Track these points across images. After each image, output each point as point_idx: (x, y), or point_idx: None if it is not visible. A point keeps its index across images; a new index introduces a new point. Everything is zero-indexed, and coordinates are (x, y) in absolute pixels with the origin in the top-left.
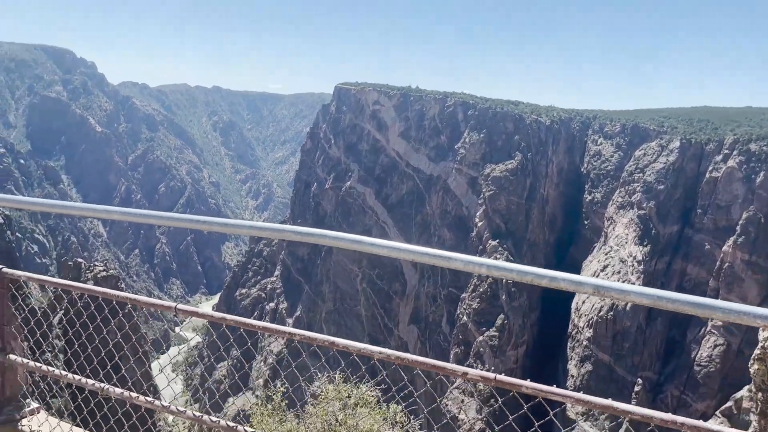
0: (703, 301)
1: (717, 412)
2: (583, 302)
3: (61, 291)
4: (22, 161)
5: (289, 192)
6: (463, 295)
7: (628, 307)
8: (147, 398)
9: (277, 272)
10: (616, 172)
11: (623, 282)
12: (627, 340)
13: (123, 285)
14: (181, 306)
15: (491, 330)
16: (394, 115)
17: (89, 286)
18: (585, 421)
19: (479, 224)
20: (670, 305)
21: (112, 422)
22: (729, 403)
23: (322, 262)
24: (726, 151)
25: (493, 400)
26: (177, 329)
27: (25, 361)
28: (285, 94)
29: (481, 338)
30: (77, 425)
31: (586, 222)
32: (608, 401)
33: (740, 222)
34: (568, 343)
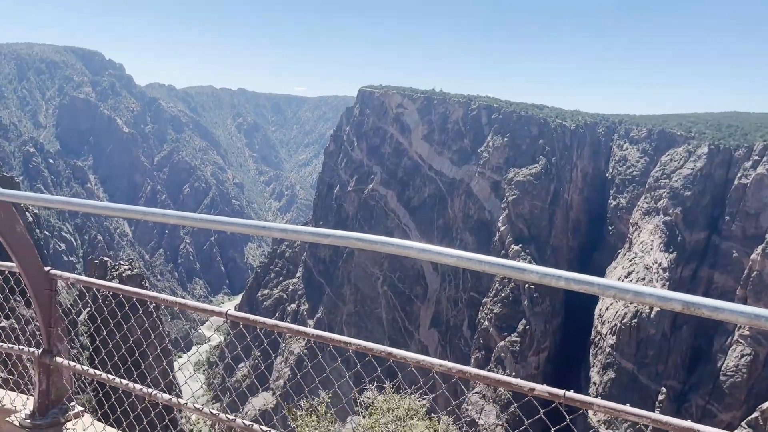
0: None
1: (743, 423)
2: (606, 309)
3: (84, 288)
4: (51, 161)
5: (312, 194)
6: (485, 299)
7: (652, 315)
8: (195, 405)
9: (298, 274)
10: (642, 177)
11: None
12: (651, 347)
13: (147, 284)
14: (231, 312)
15: (513, 335)
16: (418, 118)
17: (139, 290)
18: (607, 429)
19: (502, 228)
20: None
21: (145, 423)
22: (755, 414)
23: (343, 264)
24: (755, 158)
25: (513, 406)
26: (199, 328)
27: (72, 363)
28: (309, 96)
29: (502, 343)
30: (123, 430)
31: (610, 228)
32: (696, 426)
33: None
34: (591, 350)
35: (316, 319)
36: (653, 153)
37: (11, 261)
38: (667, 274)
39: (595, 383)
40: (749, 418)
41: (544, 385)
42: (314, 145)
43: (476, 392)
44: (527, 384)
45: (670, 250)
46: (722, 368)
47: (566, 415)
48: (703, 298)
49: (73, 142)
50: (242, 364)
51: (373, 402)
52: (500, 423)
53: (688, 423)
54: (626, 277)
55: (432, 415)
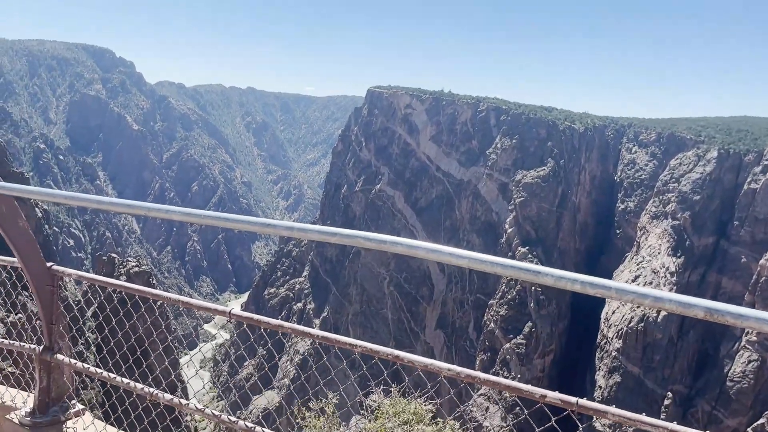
0: None
1: (749, 429)
2: (613, 312)
3: (91, 284)
4: (61, 157)
5: (320, 193)
6: (491, 301)
7: (659, 319)
8: (197, 406)
9: (305, 273)
10: (651, 181)
11: None
12: (657, 352)
13: (154, 281)
14: (235, 311)
15: (518, 337)
16: (426, 118)
17: (144, 287)
18: None
19: (509, 230)
20: None
21: (146, 422)
22: (761, 420)
23: (350, 263)
24: (765, 162)
25: (518, 408)
26: (206, 326)
27: (73, 361)
28: (318, 96)
29: (507, 345)
30: (123, 429)
31: (618, 231)
32: None
33: None
34: (597, 354)
35: (321, 318)
36: (662, 157)
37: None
38: (674, 278)
39: (600, 387)
40: (756, 424)
41: (557, 392)
42: (322, 144)
43: (481, 394)
44: (539, 391)
45: (678, 254)
46: (729, 374)
47: (578, 423)
48: (727, 304)
49: (83, 138)
50: (247, 363)
51: (379, 405)
52: (506, 425)
53: None
54: (633, 281)
55: (438, 420)
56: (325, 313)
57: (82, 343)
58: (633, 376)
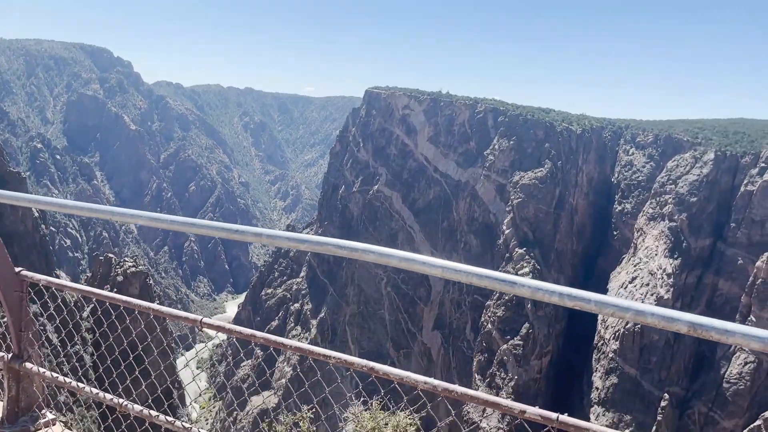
0: None
1: (745, 431)
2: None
3: (88, 284)
4: (58, 157)
5: (317, 194)
6: (488, 302)
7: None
8: (167, 418)
9: (302, 273)
10: (648, 183)
11: (651, 295)
12: (654, 353)
13: (151, 281)
14: (206, 320)
15: (516, 339)
16: (424, 119)
17: (112, 294)
18: None
19: (506, 232)
20: None
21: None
22: (758, 422)
23: (347, 264)
24: (762, 165)
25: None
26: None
27: (42, 370)
28: (316, 96)
29: (505, 347)
30: None
31: (615, 233)
32: None
33: None
34: (594, 355)
35: (319, 319)
36: (659, 158)
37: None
38: (671, 280)
39: (597, 388)
40: (752, 425)
41: (536, 408)
42: (320, 145)
43: None
44: (518, 406)
45: (675, 256)
46: (725, 375)
47: None
48: (712, 319)
49: (80, 138)
50: (244, 363)
51: (357, 420)
52: (502, 427)
53: None
54: (630, 282)
55: None
56: (323, 314)
57: (77, 343)
58: (630, 377)
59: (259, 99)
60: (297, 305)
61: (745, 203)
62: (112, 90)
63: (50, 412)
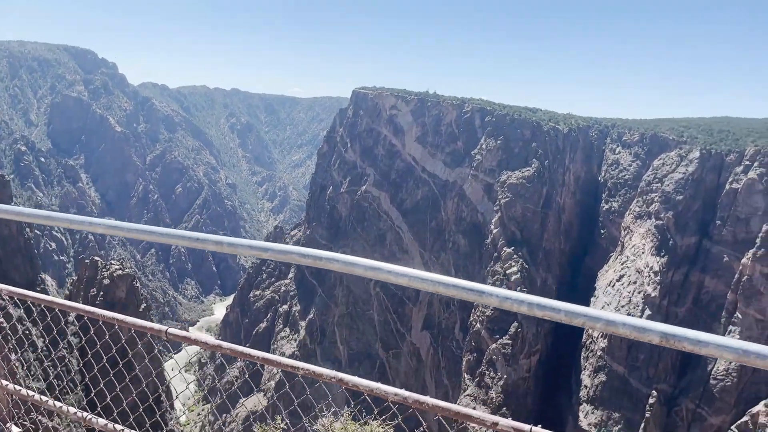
0: None
1: (733, 427)
2: None
3: (72, 289)
4: (42, 159)
5: (305, 195)
6: None
7: (644, 317)
8: (121, 428)
9: (291, 275)
10: (634, 181)
11: (639, 293)
12: (642, 351)
13: (138, 284)
14: (172, 330)
15: (504, 338)
16: (411, 120)
17: (73, 303)
18: (597, 431)
19: (494, 231)
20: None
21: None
22: (745, 418)
23: None
24: (747, 163)
25: (505, 408)
26: (191, 329)
27: (5, 383)
28: (303, 97)
29: (494, 346)
30: None
31: (602, 231)
32: None
33: (760, 234)
34: (582, 353)
35: (308, 320)
36: (645, 157)
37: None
38: (658, 278)
39: (586, 386)
40: (739, 422)
41: (509, 419)
42: (307, 146)
43: (468, 395)
44: (491, 418)
45: (662, 254)
46: (712, 372)
47: None
48: (685, 329)
49: (65, 140)
50: (234, 365)
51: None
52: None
53: None
54: (618, 280)
55: None
56: (311, 315)
57: (64, 347)
58: (618, 375)
59: (245, 100)
60: (285, 307)
61: (730, 201)
62: (97, 92)
63: (15, 425)
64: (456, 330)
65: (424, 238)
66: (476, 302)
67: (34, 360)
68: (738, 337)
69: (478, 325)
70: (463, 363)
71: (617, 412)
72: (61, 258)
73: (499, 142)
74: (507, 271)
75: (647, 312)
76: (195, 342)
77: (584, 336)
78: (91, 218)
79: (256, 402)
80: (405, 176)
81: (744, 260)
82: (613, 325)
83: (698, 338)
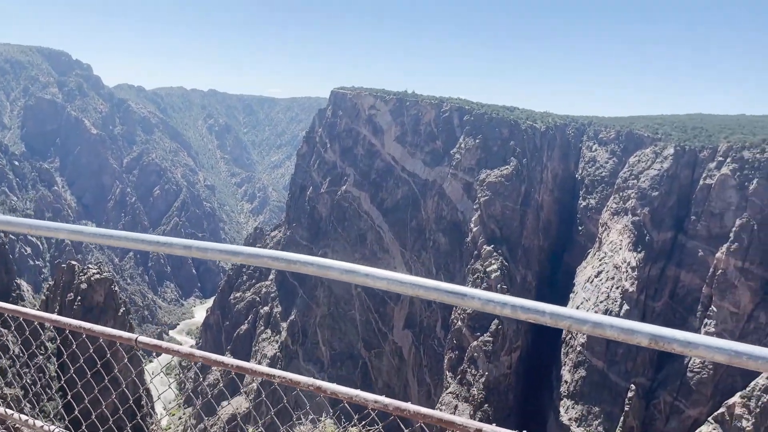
0: None
1: (710, 418)
2: (577, 308)
3: (49, 294)
4: (16, 163)
5: (285, 195)
6: None
7: (621, 313)
8: None
9: (271, 276)
10: (611, 178)
11: (617, 288)
12: (621, 345)
13: (116, 288)
14: (142, 339)
15: (485, 335)
16: (390, 119)
17: (38, 312)
18: (578, 426)
19: (474, 229)
20: (752, 363)
21: None
22: (721, 410)
23: None
24: (720, 159)
25: (486, 405)
26: (171, 332)
27: None
28: (281, 98)
29: (475, 343)
30: None
31: (580, 228)
32: None
33: (733, 229)
34: (562, 349)
35: (289, 321)
36: (621, 154)
37: None
38: (635, 273)
39: (566, 382)
40: (716, 413)
41: (493, 425)
42: (286, 146)
43: (450, 392)
44: (474, 425)
45: (639, 249)
46: (689, 365)
47: None
48: (675, 331)
49: (39, 143)
50: (214, 368)
51: None
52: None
53: None
54: (596, 276)
55: None
56: (293, 317)
57: (40, 352)
58: (597, 369)
59: (223, 101)
60: (266, 308)
61: (704, 196)
62: (72, 94)
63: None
64: (437, 328)
65: (405, 238)
66: (458, 306)
67: (9, 366)
68: (713, 330)
69: (459, 323)
70: (445, 361)
71: (597, 407)
72: (37, 263)
73: (477, 141)
74: (487, 269)
75: (625, 307)
76: (167, 351)
77: (564, 332)
78: (51, 223)
79: (238, 404)
80: (385, 176)
81: (718, 254)
82: (600, 327)
83: (687, 339)
